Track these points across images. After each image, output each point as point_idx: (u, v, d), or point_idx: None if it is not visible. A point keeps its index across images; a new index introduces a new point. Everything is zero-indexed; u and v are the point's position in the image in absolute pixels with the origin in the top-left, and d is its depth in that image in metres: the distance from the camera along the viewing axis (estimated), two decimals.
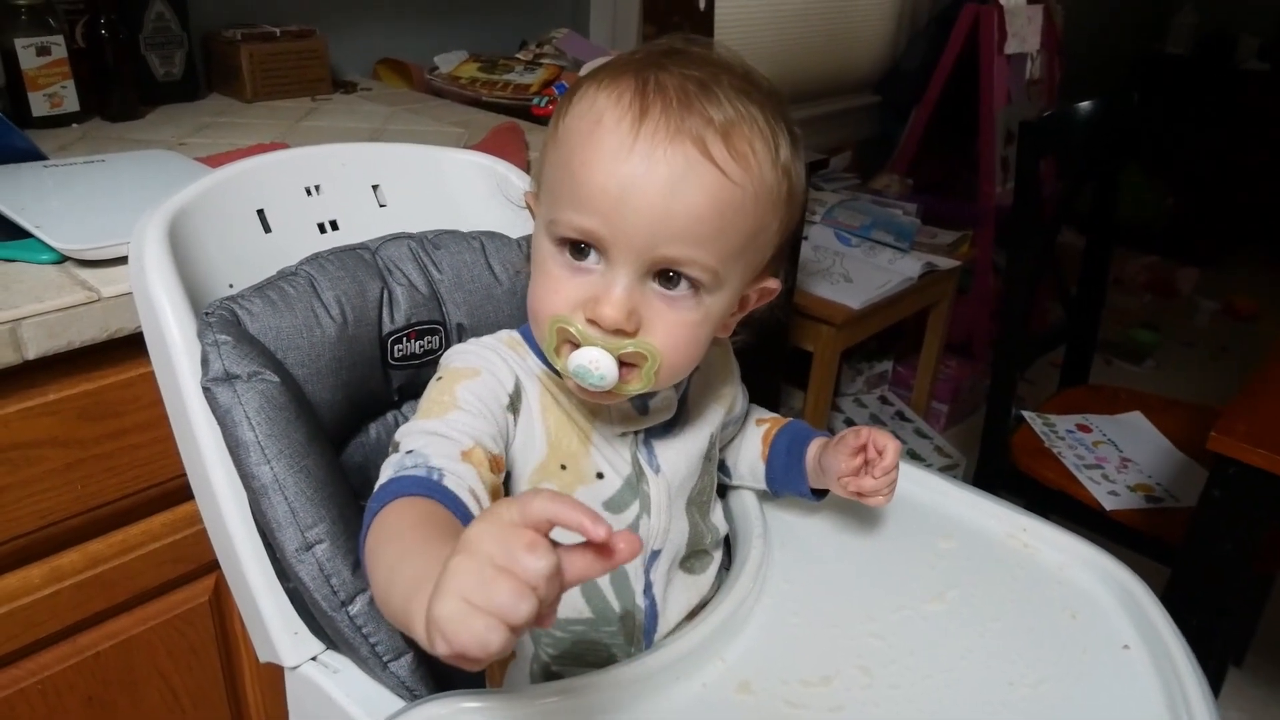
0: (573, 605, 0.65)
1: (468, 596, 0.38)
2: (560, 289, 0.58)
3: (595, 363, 0.56)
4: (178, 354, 0.65)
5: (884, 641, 0.67)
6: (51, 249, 0.82)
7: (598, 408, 0.65)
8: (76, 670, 0.89)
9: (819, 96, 2.75)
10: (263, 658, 0.71)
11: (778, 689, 0.63)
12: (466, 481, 0.55)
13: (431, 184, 0.89)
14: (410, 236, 0.82)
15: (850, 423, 2.35)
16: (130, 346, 0.80)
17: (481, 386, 0.62)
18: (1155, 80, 3.83)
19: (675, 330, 0.58)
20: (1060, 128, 1.68)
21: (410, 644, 0.65)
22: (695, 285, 0.57)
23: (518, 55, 1.66)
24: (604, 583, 0.66)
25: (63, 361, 0.79)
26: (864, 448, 0.70)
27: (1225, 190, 3.65)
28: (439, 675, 0.68)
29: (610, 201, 0.54)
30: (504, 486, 0.64)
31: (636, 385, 0.58)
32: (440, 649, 0.39)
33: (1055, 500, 1.52)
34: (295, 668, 0.68)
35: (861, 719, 0.61)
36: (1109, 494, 1.49)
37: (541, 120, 1.45)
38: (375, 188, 0.87)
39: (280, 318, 0.70)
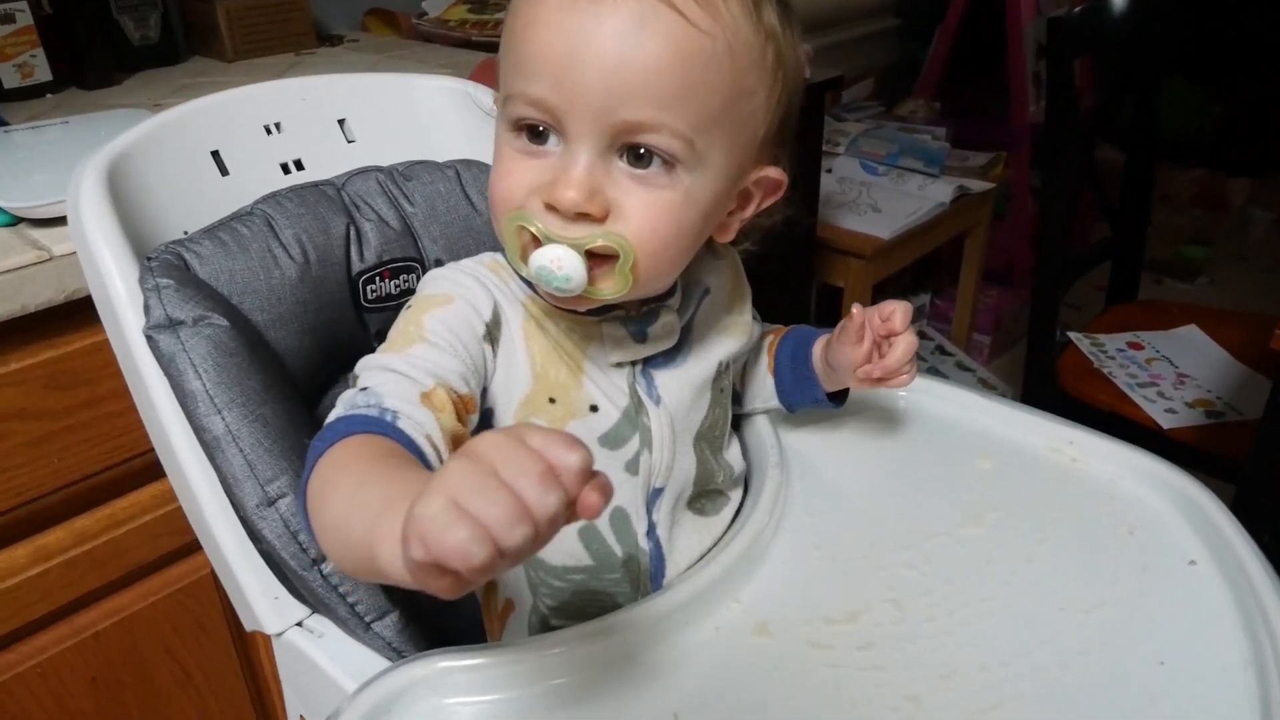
0: (569, 552, 0.59)
1: (460, 500, 0.33)
2: (514, 171, 0.51)
3: (558, 261, 0.49)
4: (121, 305, 0.60)
5: (917, 571, 0.61)
6: (3, 211, 0.77)
7: (590, 333, 0.59)
8: (76, 651, 0.86)
9: (835, 23, 2.62)
10: (248, 626, 0.66)
11: (799, 629, 0.57)
12: (424, 428, 0.48)
13: (402, 115, 0.83)
14: (379, 169, 0.76)
15: None
16: (92, 309, 0.74)
17: (453, 315, 0.55)
18: None
19: (650, 213, 0.50)
20: (1095, 25, 1.55)
21: (394, 602, 0.60)
22: (669, 160, 0.50)
23: None
24: (602, 525, 0.60)
25: (22, 328, 0.74)
26: (863, 328, 0.62)
27: (1275, 95, 3.45)
28: (431, 635, 0.63)
29: (558, 60, 0.47)
30: (486, 424, 0.58)
31: (611, 286, 0.51)
32: (415, 551, 0.33)
33: (1108, 423, 1.41)
34: (279, 635, 0.64)
35: (894, 657, 0.55)
36: (1166, 412, 1.39)
37: None
38: (341, 122, 0.81)
39: (233, 260, 0.64)
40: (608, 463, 0.59)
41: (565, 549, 0.59)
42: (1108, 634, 0.55)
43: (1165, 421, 1.38)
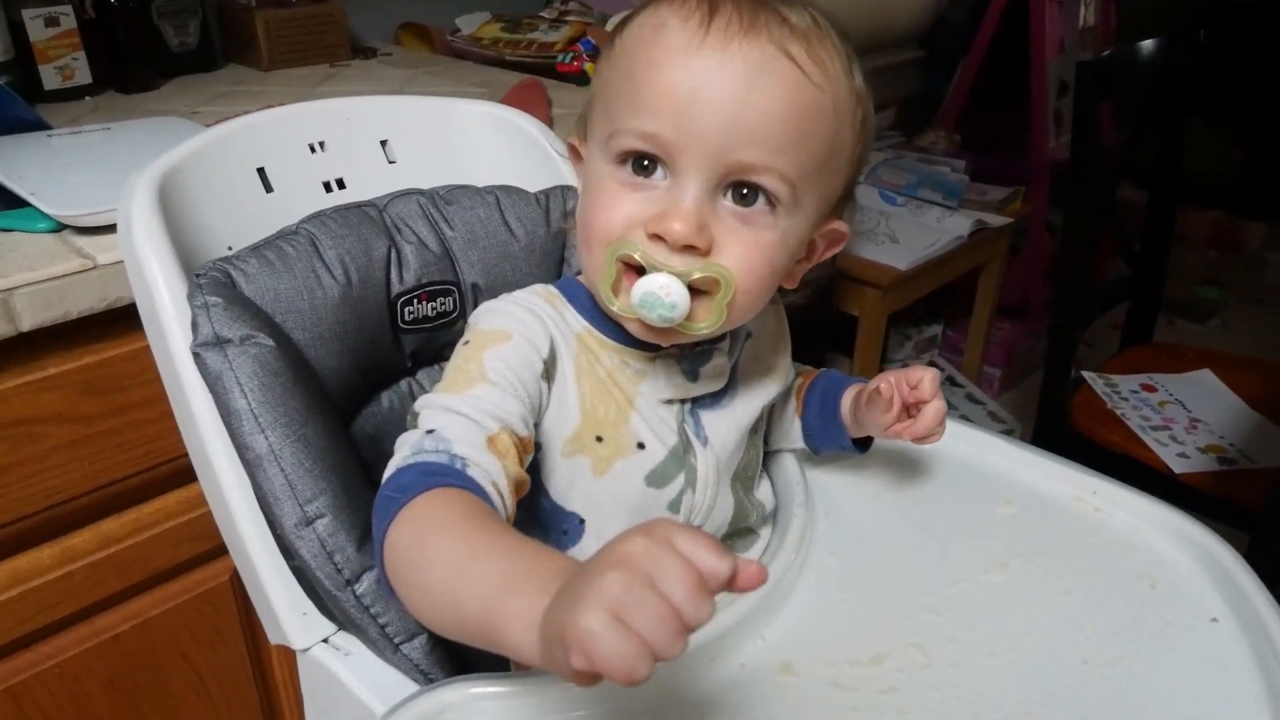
0: None
1: (623, 615, 0.33)
2: (618, 204, 0.51)
3: (665, 289, 0.49)
4: (168, 319, 0.61)
5: (940, 617, 0.61)
6: (49, 217, 0.78)
7: (644, 370, 0.59)
8: (95, 653, 0.87)
9: (860, 53, 2.64)
10: (273, 640, 0.67)
11: (823, 670, 0.57)
12: (490, 475, 0.49)
13: (443, 138, 0.84)
14: (420, 192, 0.77)
15: None
16: (132, 317, 0.75)
17: (513, 353, 0.55)
18: (1219, 27, 3.63)
19: (750, 250, 0.51)
20: (1122, 69, 1.57)
21: (423, 626, 0.61)
22: (772, 202, 0.51)
23: (542, 13, 1.60)
24: None
25: (62, 334, 0.76)
26: (893, 400, 0.62)
27: None
28: (456, 657, 0.64)
29: (678, 101, 0.48)
30: (537, 462, 0.58)
31: (707, 319, 0.52)
32: (579, 663, 0.34)
33: (1119, 465, 1.43)
34: (305, 650, 0.64)
35: (917, 702, 0.55)
36: (1178, 456, 1.40)
37: (566, 78, 1.39)
38: (384, 143, 0.82)
39: (278, 279, 0.65)
40: (651, 501, 0.59)
41: None
42: (1130, 689, 0.56)
43: (1177, 466, 1.38)
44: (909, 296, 2.03)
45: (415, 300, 0.74)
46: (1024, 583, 0.64)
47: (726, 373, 0.62)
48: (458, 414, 0.51)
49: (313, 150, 0.77)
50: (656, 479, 0.59)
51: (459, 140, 0.84)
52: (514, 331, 0.56)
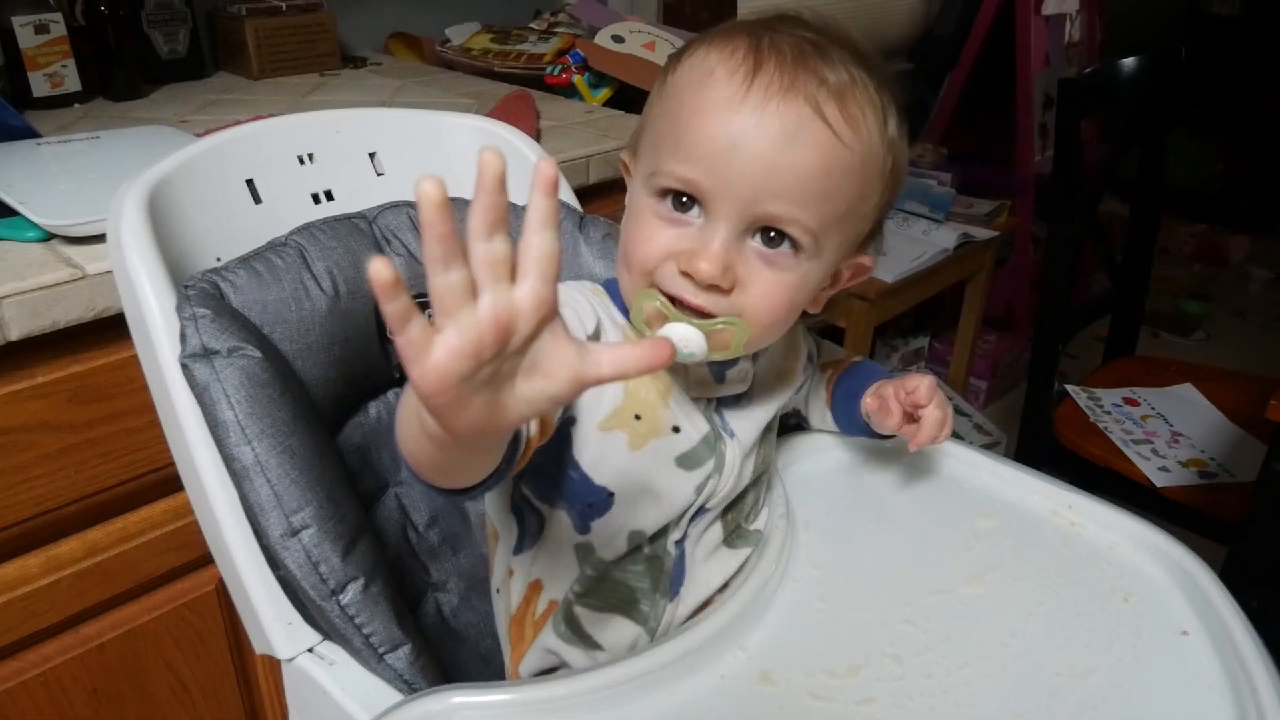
0: (609, 541, 0.63)
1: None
2: (656, 235, 0.56)
3: (685, 341, 0.54)
4: (157, 330, 0.62)
5: (917, 628, 0.62)
6: (37, 226, 0.78)
7: (676, 367, 0.62)
8: (80, 661, 0.87)
9: None
10: (258, 649, 0.67)
11: (801, 680, 0.58)
12: None
13: (432, 151, 0.85)
14: (410, 204, 0.78)
15: None
16: (119, 327, 0.76)
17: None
18: (1202, 42, 3.68)
19: (771, 290, 0.56)
20: (1103, 86, 1.59)
21: (407, 635, 0.62)
22: (796, 246, 0.55)
23: (531, 25, 1.61)
24: (647, 520, 0.63)
25: (50, 343, 0.76)
26: (887, 406, 0.68)
27: (1277, 154, 3.50)
28: (440, 669, 0.65)
29: (717, 151, 0.53)
30: (568, 435, 0.60)
31: (725, 353, 0.57)
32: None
33: (1102, 478, 1.45)
34: (290, 660, 0.65)
35: (893, 712, 0.56)
36: (1159, 470, 1.41)
37: (555, 90, 1.40)
38: (372, 155, 0.83)
39: (266, 290, 0.66)
40: (679, 482, 0.62)
41: (605, 536, 0.63)
42: (1102, 700, 0.57)
43: (1158, 479, 1.39)
44: (896, 308, 2.04)
45: None
46: (1000, 595, 0.65)
47: (750, 377, 0.65)
48: None
49: (301, 162, 0.78)
50: (688, 461, 0.62)
51: (447, 153, 0.85)
52: (565, 301, 0.59)
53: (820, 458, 0.79)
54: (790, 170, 0.52)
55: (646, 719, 0.55)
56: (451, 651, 0.75)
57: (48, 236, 0.79)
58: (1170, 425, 1.53)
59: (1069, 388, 1.62)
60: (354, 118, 0.83)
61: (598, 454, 0.60)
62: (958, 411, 2.27)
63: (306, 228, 0.72)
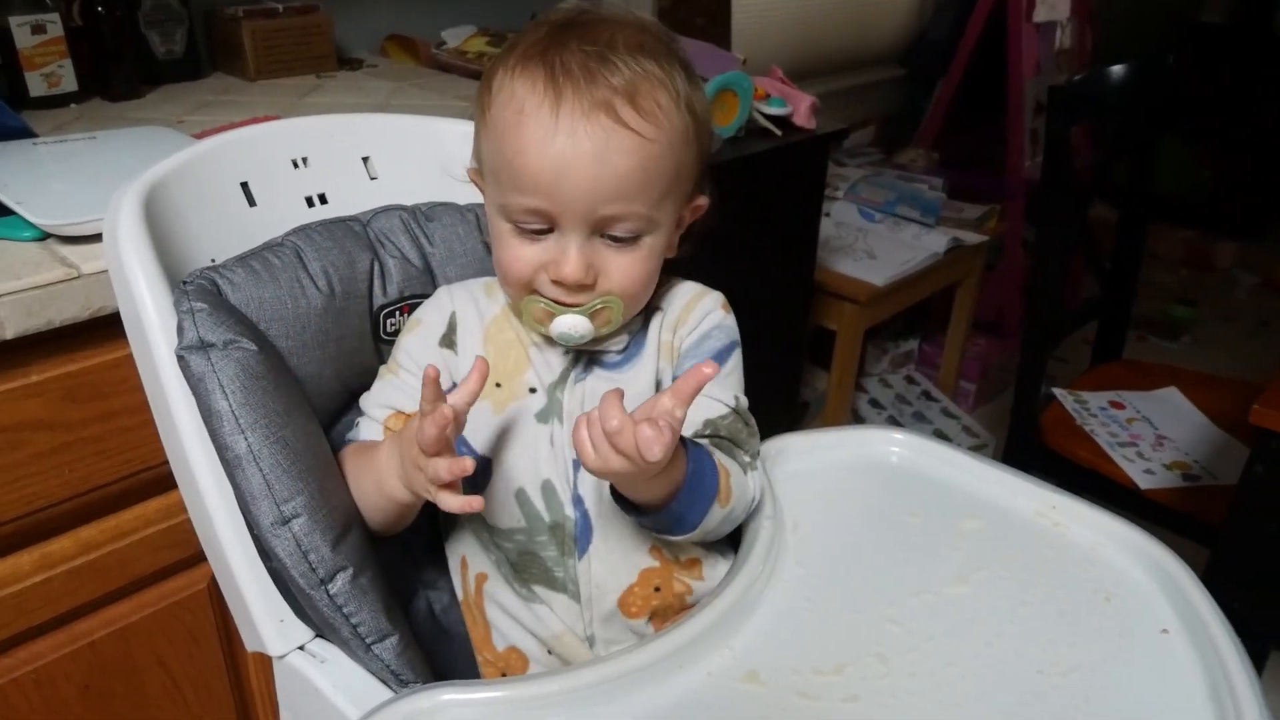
0: (510, 514, 0.68)
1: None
2: (522, 254, 0.65)
3: (574, 327, 0.65)
4: (152, 328, 0.62)
5: (902, 627, 0.63)
6: (33, 226, 0.79)
7: (540, 337, 0.70)
8: (72, 659, 0.87)
9: (841, 70, 2.68)
10: (250, 646, 0.68)
11: (788, 679, 0.59)
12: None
13: (424, 155, 0.86)
14: (403, 208, 0.79)
15: (875, 404, 2.29)
16: (115, 326, 0.76)
17: (416, 340, 0.71)
18: (1191, 49, 3.70)
19: (629, 270, 0.65)
20: (1092, 93, 1.60)
21: (395, 626, 0.62)
22: (636, 232, 0.65)
23: None
24: (533, 493, 0.68)
25: (45, 341, 0.76)
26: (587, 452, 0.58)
27: (1265, 161, 3.53)
28: (433, 665, 0.65)
29: (549, 180, 0.61)
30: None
31: (607, 327, 0.67)
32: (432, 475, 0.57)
33: (1088, 480, 1.46)
34: (281, 657, 0.65)
35: (878, 710, 0.57)
36: (1144, 472, 1.43)
37: None
38: (366, 160, 0.83)
39: (263, 288, 0.67)
40: (538, 436, 0.69)
41: (506, 513, 0.68)
42: (1084, 698, 0.58)
43: (1143, 482, 1.41)
44: (886, 312, 2.06)
45: (397, 312, 0.75)
46: (985, 595, 0.66)
47: (624, 338, 0.71)
48: (368, 418, 0.70)
49: (296, 166, 0.79)
50: (543, 416, 0.69)
51: (439, 158, 0.85)
52: (423, 318, 0.72)
53: (807, 458, 0.80)
54: (611, 178, 0.61)
55: (634, 716, 0.56)
56: (442, 649, 0.76)
57: (43, 236, 0.80)
58: (1155, 428, 1.54)
59: (1056, 391, 1.63)
60: (347, 122, 0.84)
61: (470, 424, 0.65)
62: (947, 414, 2.28)
63: (302, 229, 0.72)
